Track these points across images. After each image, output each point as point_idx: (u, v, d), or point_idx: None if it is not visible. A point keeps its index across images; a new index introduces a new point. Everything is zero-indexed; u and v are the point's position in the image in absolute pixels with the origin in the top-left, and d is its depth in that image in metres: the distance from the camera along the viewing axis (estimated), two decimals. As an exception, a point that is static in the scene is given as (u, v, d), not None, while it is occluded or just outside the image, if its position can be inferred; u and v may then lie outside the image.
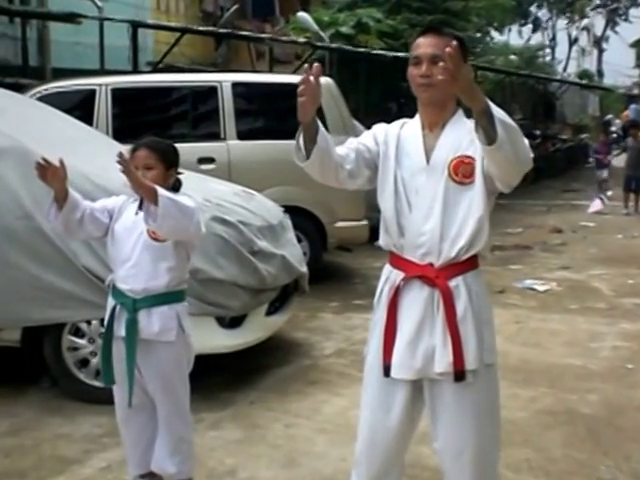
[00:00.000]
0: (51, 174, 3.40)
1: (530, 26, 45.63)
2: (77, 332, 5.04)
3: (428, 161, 2.95)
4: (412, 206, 2.95)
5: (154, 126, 8.31)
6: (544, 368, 5.88)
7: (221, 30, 14.81)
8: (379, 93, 18.30)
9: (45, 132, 5.49)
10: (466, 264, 2.96)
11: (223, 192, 5.62)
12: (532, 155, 2.83)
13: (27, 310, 4.88)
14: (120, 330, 3.54)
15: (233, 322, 5.18)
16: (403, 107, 20.56)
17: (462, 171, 2.91)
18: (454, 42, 2.60)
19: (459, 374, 2.90)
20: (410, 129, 3.05)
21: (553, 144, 23.34)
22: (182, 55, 18.01)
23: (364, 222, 8.44)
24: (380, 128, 3.12)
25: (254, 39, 15.12)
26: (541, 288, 8.53)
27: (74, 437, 4.59)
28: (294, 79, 9.27)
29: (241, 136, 8.30)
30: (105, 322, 3.62)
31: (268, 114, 8.80)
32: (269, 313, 5.49)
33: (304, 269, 5.81)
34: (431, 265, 2.93)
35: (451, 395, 2.93)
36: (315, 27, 16.25)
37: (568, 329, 6.96)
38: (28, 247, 4.82)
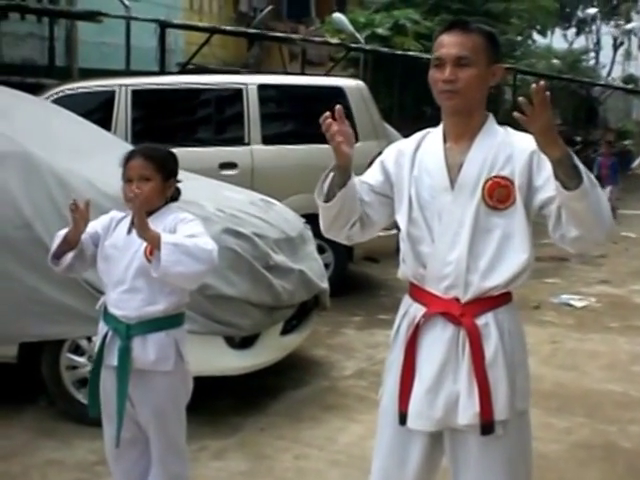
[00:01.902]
0: (79, 216, 3.11)
1: (574, 30, 44.94)
2: (77, 350, 4.74)
3: (453, 180, 2.57)
4: (434, 232, 2.58)
5: (175, 129, 8.04)
6: (581, 394, 5.49)
7: (249, 30, 14.51)
8: (414, 96, 17.91)
9: (53, 135, 5.21)
10: (498, 298, 2.59)
11: (239, 201, 5.30)
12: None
13: (24, 325, 4.59)
14: (111, 359, 3.21)
15: (244, 342, 4.82)
16: (438, 111, 20.22)
17: (497, 195, 2.53)
18: (542, 82, 2.23)
19: (487, 426, 2.53)
20: (431, 142, 2.67)
21: (594, 150, 22.73)
22: (214, 56, 17.77)
23: (392, 232, 8.01)
24: (389, 153, 2.76)
25: (284, 40, 14.79)
26: (578, 304, 8.12)
27: (66, 464, 4.29)
28: (322, 81, 9.00)
29: (266, 141, 7.97)
30: (96, 348, 3.30)
31: (295, 117, 8.43)
32: (285, 332, 5.12)
33: (324, 285, 5.45)
34: (457, 300, 2.56)
35: (477, 449, 2.57)
36: (350, 28, 15.92)
37: (608, 350, 6.55)
38: (27, 258, 4.50)
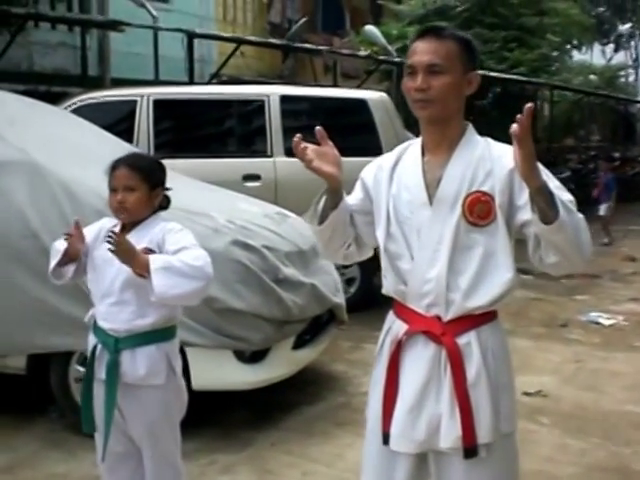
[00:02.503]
0: (74, 240, 3.11)
1: (612, 45, 44.46)
2: (85, 361, 4.69)
3: (431, 195, 2.48)
4: (413, 249, 2.49)
5: (198, 140, 8.03)
6: (600, 415, 5.34)
7: (275, 41, 14.43)
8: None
9: (64, 145, 5.19)
10: (481, 317, 2.49)
11: (252, 213, 5.24)
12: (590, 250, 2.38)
13: (31, 336, 4.56)
14: (101, 372, 3.15)
15: (255, 356, 4.75)
16: (474, 123, 20.06)
17: (478, 210, 2.43)
18: (530, 104, 2.19)
19: (470, 450, 2.43)
20: (410, 155, 2.59)
21: (632, 167, 22.44)
22: (247, 68, 17.82)
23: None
24: (369, 169, 2.68)
25: (313, 51, 14.75)
26: (606, 322, 7.94)
27: (70, 477, 4.26)
28: (345, 93, 8.90)
29: (289, 153, 7.89)
30: (88, 361, 3.25)
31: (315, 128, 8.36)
32: (297, 346, 5.05)
33: (338, 299, 5.35)
34: (438, 318, 2.47)
35: (462, 472, 2.47)
36: (382, 40, 15.84)
37: (632, 370, 6.38)
38: (34, 268, 4.44)
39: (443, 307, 2.46)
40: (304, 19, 18.44)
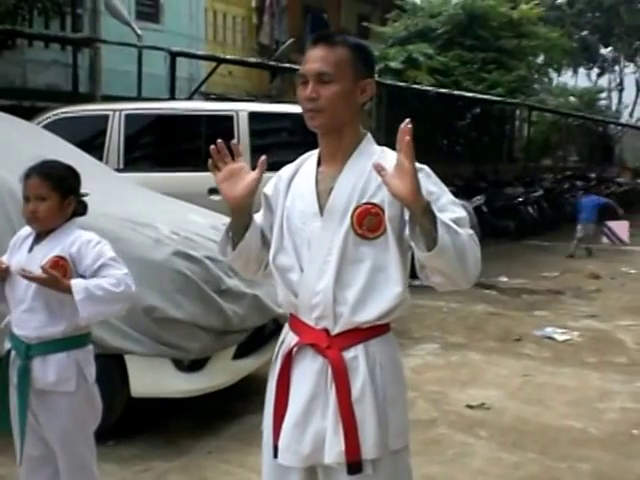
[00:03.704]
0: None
1: (597, 70, 44.50)
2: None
3: (322, 205, 2.37)
4: (303, 260, 2.38)
5: (165, 154, 7.96)
6: (539, 429, 5.23)
7: (251, 60, 14.38)
8: (428, 128, 17.77)
9: (18, 154, 5.09)
10: (370, 330, 2.36)
11: (199, 225, 5.16)
12: (480, 269, 2.27)
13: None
14: (14, 377, 3.08)
15: (194, 365, 4.66)
16: (454, 144, 20.07)
17: (367, 223, 2.30)
18: (408, 124, 2.09)
19: (353, 466, 2.29)
20: (307, 166, 2.48)
21: (607, 187, 22.39)
22: (235, 87, 17.78)
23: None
24: (270, 183, 2.56)
25: (293, 71, 14.72)
26: (560, 338, 7.83)
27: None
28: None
29: (254, 167, 7.83)
30: (2, 365, 3.17)
31: (285, 145, 8.32)
32: (238, 356, 4.95)
33: (282, 310, 5.26)
34: (326, 331, 2.35)
35: None
36: (365, 62, 15.78)
37: (577, 385, 6.27)
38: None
39: (331, 320, 2.35)
40: (291, 40, 18.44)
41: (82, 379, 3.08)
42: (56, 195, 3.06)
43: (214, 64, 12.78)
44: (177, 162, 7.86)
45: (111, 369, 4.51)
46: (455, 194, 9.09)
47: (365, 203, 2.31)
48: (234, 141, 2.49)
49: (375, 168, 2.18)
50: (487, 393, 5.94)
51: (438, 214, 2.17)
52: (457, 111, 18.17)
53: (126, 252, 4.52)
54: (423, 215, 2.14)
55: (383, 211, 2.30)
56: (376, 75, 10.92)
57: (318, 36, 2.39)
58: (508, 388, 6.13)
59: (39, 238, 3.09)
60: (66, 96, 12.23)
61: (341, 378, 2.31)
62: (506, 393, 6.00)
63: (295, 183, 2.47)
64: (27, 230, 3.18)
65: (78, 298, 2.89)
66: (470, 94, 16.13)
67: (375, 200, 2.32)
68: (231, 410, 5.23)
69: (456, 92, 15.92)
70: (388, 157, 2.36)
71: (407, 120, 2.13)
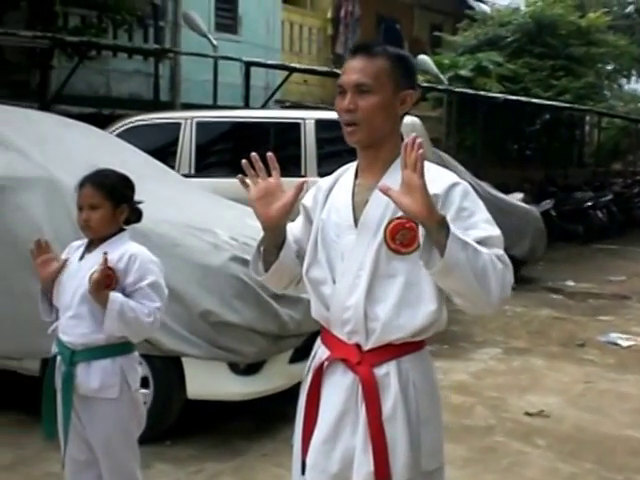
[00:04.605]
0: (42, 261, 3.00)
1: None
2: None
3: (357, 218, 2.20)
4: (337, 273, 2.21)
5: (234, 160, 7.86)
6: (598, 439, 4.94)
7: (320, 69, 14.18)
8: (498, 135, 17.39)
9: (86, 163, 5.05)
10: (404, 347, 2.18)
11: (258, 230, 4.99)
12: (508, 292, 2.06)
13: (42, 341, 4.42)
14: (59, 382, 2.99)
15: (250, 369, 4.53)
16: (524, 149, 19.58)
17: (401, 237, 2.13)
18: (418, 139, 1.93)
19: None
20: (346, 178, 2.32)
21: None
22: (311, 95, 17.72)
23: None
24: (309, 192, 2.40)
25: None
26: (625, 343, 7.45)
27: (63, 477, 4.09)
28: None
29: (322, 174, 7.69)
30: (48, 370, 3.09)
31: (350, 152, 8.12)
32: (294, 360, 4.80)
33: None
34: (358, 346, 2.18)
35: None
36: (435, 69, 15.51)
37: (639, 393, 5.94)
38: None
39: (363, 335, 2.18)
40: (365, 50, 18.25)
41: (125, 386, 2.97)
42: (109, 204, 2.97)
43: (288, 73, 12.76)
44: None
45: (169, 371, 4.43)
46: (524, 199, 8.80)
47: (399, 217, 2.12)
48: (270, 154, 2.31)
49: (381, 190, 2.01)
50: (547, 400, 5.65)
51: (455, 230, 1.98)
52: (527, 117, 17.73)
53: (185, 257, 4.49)
54: (439, 231, 1.97)
55: (418, 226, 2.10)
56: (446, 82, 10.60)
57: (357, 47, 2.25)
58: (568, 395, 5.83)
59: (91, 247, 3.01)
60: (148, 104, 12.34)
61: (371, 395, 2.14)
62: (566, 400, 5.71)
63: (333, 195, 2.31)
64: (80, 241, 3.12)
65: (111, 307, 2.81)
66: (538, 100, 15.70)
67: None
68: (288, 413, 5.06)
69: (524, 99, 15.51)
70: (432, 171, 2.17)
71: (413, 135, 1.96)
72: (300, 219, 2.42)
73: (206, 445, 4.55)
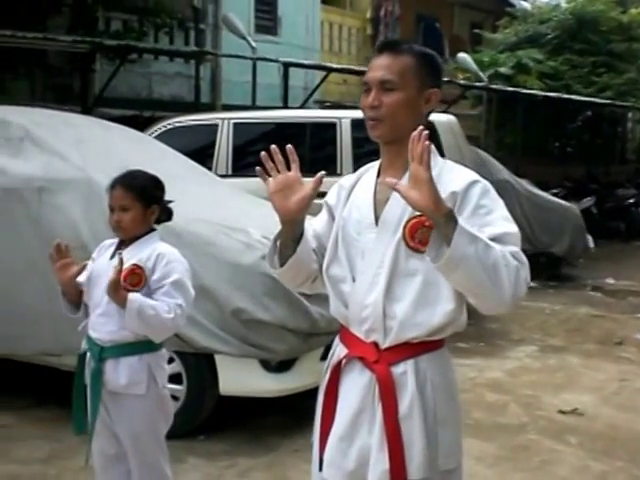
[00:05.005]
0: (61, 265, 3.00)
1: None
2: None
3: (378, 216, 2.19)
4: (357, 271, 2.20)
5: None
6: (631, 437, 4.89)
7: (356, 68, 14.13)
8: (538, 132, 17.18)
9: (123, 164, 5.13)
10: (422, 345, 2.17)
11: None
12: (523, 290, 2.02)
13: (78, 338, 4.51)
14: (88, 379, 3.05)
15: (282, 366, 4.57)
16: (565, 146, 19.32)
17: (420, 236, 2.10)
18: (425, 131, 1.92)
19: None
20: (368, 176, 2.32)
21: None
22: (350, 94, 17.69)
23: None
24: (332, 189, 2.39)
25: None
26: (663, 342, 7.35)
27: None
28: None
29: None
30: (77, 367, 3.15)
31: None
32: (325, 357, 4.80)
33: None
34: (375, 345, 2.17)
35: None
36: (474, 67, 15.40)
37: (677, 393, 5.85)
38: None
39: (381, 334, 2.17)
40: (404, 49, 18.18)
41: (153, 383, 3.01)
42: (139, 205, 3.01)
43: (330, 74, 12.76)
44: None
45: (202, 368, 4.48)
46: (564, 196, 8.70)
47: (419, 215, 2.09)
48: (289, 146, 2.31)
49: (388, 185, 2.01)
50: (581, 398, 5.59)
51: (463, 223, 1.96)
52: (567, 114, 17.50)
53: (218, 256, 4.54)
54: (447, 224, 1.95)
55: None
56: (486, 80, 10.47)
57: (383, 44, 2.24)
58: (603, 393, 5.76)
59: (122, 246, 3.06)
60: (189, 106, 12.45)
61: (387, 394, 2.13)
62: (600, 398, 5.64)
63: (355, 193, 2.31)
64: (111, 240, 3.17)
65: (130, 307, 2.84)
66: (579, 97, 15.49)
67: None
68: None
69: (565, 95, 15.32)
70: (447, 169, 2.20)
71: (421, 127, 1.95)
72: (324, 216, 2.42)
73: (238, 440, 4.59)
